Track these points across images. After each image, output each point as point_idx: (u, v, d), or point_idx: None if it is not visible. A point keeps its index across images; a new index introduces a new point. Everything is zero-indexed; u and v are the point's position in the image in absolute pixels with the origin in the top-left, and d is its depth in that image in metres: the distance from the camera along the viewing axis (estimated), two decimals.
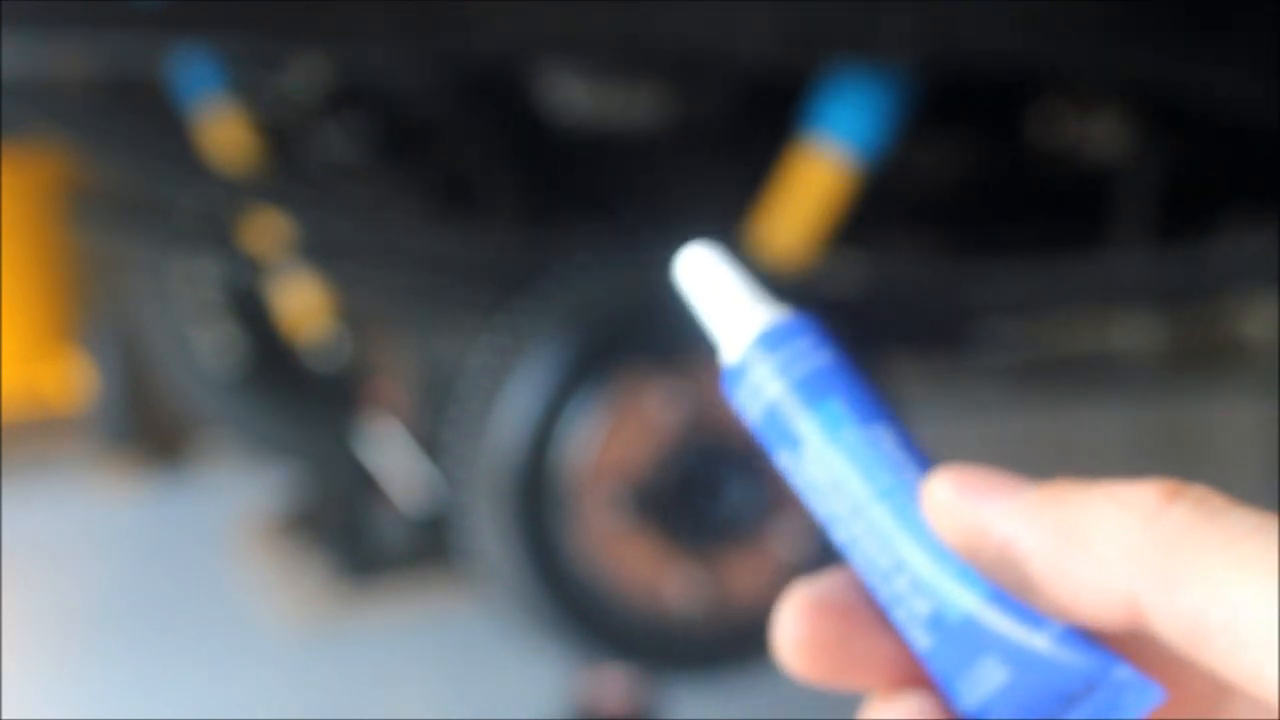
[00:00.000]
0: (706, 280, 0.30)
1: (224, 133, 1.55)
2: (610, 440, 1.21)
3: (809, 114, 1.32)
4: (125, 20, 1.11)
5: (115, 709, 1.54)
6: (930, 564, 0.25)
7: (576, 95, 1.62)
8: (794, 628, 0.26)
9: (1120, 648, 0.24)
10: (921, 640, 0.26)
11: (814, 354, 0.28)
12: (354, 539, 1.90)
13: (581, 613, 1.24)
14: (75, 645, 1.72)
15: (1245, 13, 1.25)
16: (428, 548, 1.83)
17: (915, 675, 0.26)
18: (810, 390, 0.27)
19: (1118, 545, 0.22)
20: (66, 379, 2.29)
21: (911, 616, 0.26)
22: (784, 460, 0.28)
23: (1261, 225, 1.59)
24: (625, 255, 1.37)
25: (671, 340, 1.20)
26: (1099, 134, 1.63)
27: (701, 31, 1.20)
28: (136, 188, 1.60)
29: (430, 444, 1.70)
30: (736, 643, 1.28)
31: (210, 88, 1.55)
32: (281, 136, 1.61)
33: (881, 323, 1.32)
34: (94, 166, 1.72)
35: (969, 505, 0.25)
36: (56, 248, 2.24)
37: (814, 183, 1.32)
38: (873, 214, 1.41)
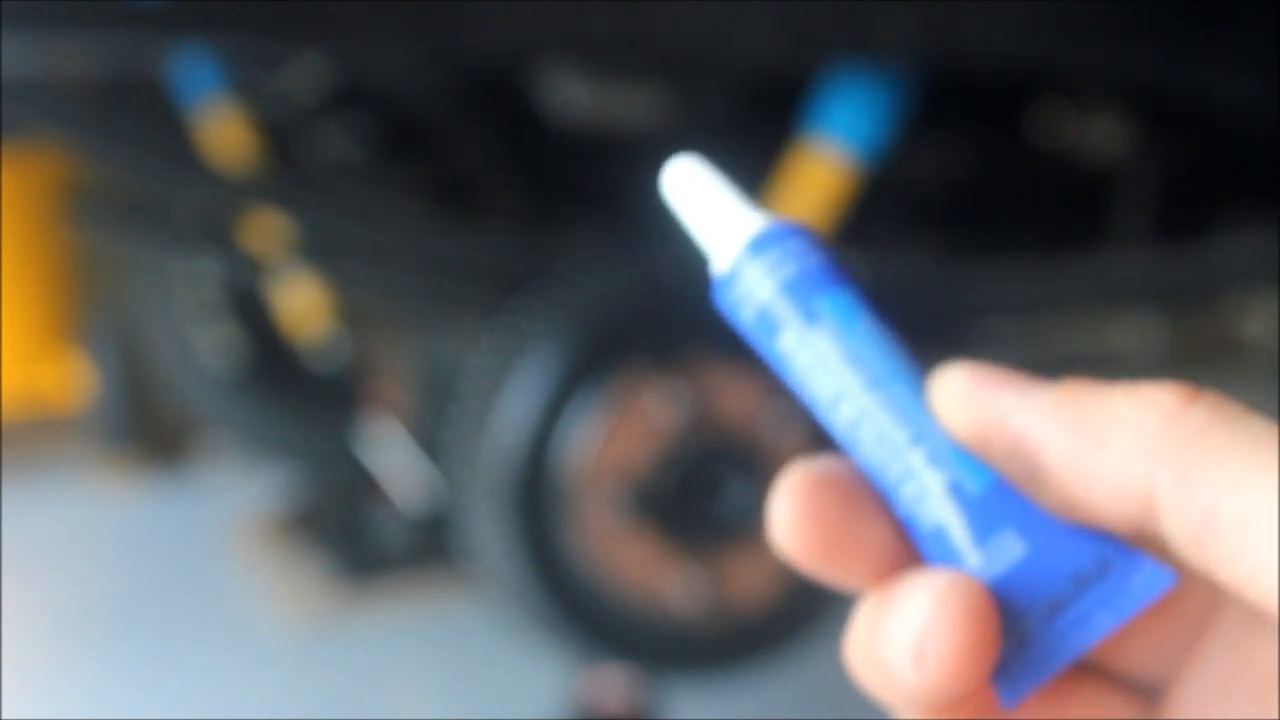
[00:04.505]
0: (694, 193, 0.30)
1: (224, 133, 1.55)
2: (610, 440, 1.21)
3: (809, 114, 1.32)
4: (125, 20, 1.11)
5: (114, 709, 1.54)
6: (950, 437, 0.25)
7: (576, 95, 1.62)
8: (793, 502, 0.26)
9: None
10: (935, 512, 0.25)
11: (812, 252, 0.28)
12: (354, 539, 1.90)
13: (581, 613, 1.24)
14: (75, 645, 1.72)
15: (1245, 13, 1.25)
16: (428, 548, 1.83)
17: (906, 570, 0.26)
18: (821, 277, 0.27)
19: (1135, 442, 0.23)
20: (66, 379, 2.29)
21: (925, 490, 0.25)
22: (785, 344, 0.27)
23: (1261, 225, 1.59)
24: (625, 255, 1.37)
25: (671, 340, 1.20)
26: (1099, 134, 1.63)
27: (701, 31, 1.20)
28: (136, 188, 1.60)
29: (430, 444, 1.70)
30: (736, 643, 1.28)
31: (210, 88, 1.55)
32: (281, 136, 1.61)
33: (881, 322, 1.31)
34: (94, 166, 1.72)
35: (985, 394, 0.25)
36: (56, 248, 2.24)
37: (814, 183, 1.32)
38: (873, 214, 1.41)
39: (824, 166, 1.31)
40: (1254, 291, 1.52)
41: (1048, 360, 1.78)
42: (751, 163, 1.40)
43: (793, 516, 0.26)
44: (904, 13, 1.19)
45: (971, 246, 1.65)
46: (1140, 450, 0.22)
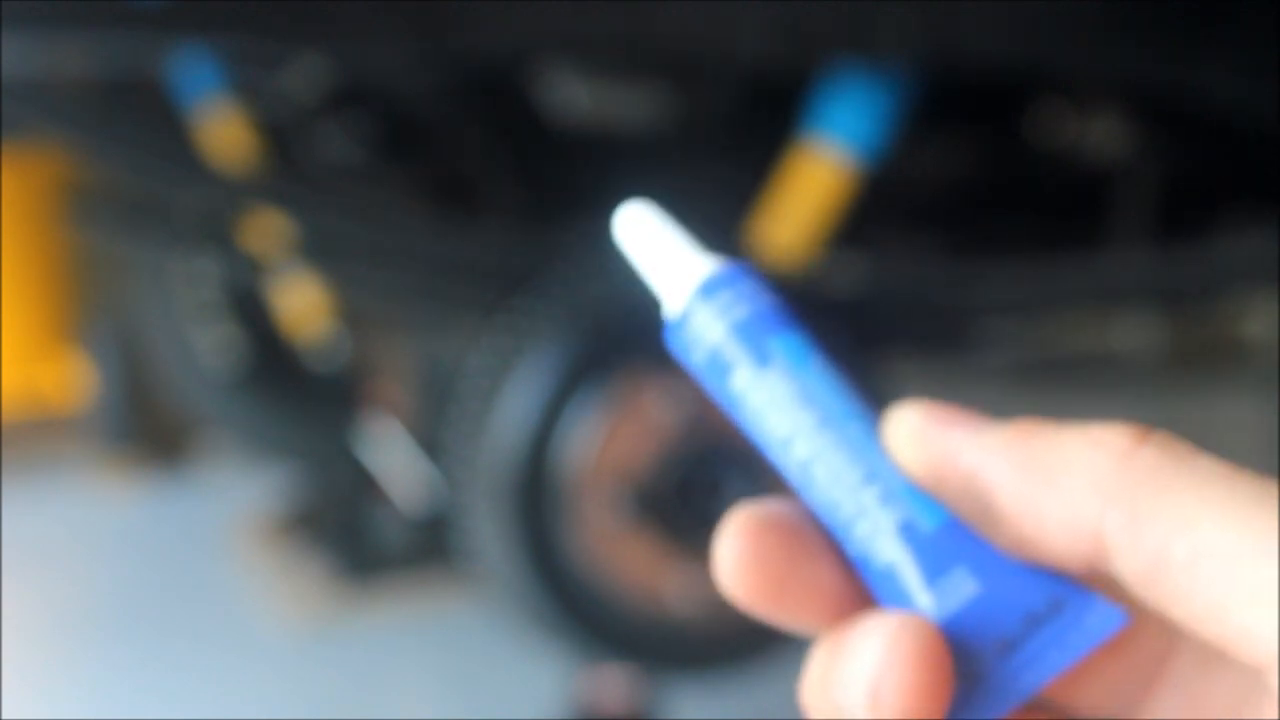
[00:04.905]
0: (645, 237, 0.30)
1: (224, 133, 1.55)
2: (610, 440, 1.21)
3: (809, 114, 1.32)
4: (125, 20, 1.11)
5: (115, 709, 1.54)
6: (902, 476, 0.25)
7: (576, 95, 1.62)
8: (737, 545, 0.26)
9: None
10: (887, 551, 0.25)
11: (762, 294, 0.28)
12: (354, 539, 1.90)
13: (581, 613, 1.24)
14: (75, 645, 1.72)
15: (1245, 13, 1.25)
16: (428, 548, 1.83)
17: (855, 611, 0.25)
18: (772, 319, 0.28)
19: (1086, 482, 0.23)
20: (66, 379, 2.29)
21: (877, 529, 0.25)
22: (736, 385, 0.27)
23: (1261, 225, 1.59)
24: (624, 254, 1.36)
25: None
26: (1099, 134, 1.63)
27: (701, 31, 1.20)
28: (136, 188, 1.60)
29: (430, 444, 1.70)
30: (736, 643, 1.28)
31: (210, 88, 1.55)
32: (281, 136, 1.61)
33: (881, 323, 1.32)
34: (94, 166, 1.72)
35: (937, 433, 0.25)
36: (56, 248, 2.24)
37: (814, 183, 1.32)
38: (873, 214, 1.41)
39: (824, 166, 1.31)
40: (1254, 292, 1.52)
41: (1048, 360, 1.78)
42: (752, 163, 1.40)
43: (736, 559, 0.25)
44: (904, 13, 1.19)
45: (971, 247, 1.65)
46: (1091, 490, 0.23)
